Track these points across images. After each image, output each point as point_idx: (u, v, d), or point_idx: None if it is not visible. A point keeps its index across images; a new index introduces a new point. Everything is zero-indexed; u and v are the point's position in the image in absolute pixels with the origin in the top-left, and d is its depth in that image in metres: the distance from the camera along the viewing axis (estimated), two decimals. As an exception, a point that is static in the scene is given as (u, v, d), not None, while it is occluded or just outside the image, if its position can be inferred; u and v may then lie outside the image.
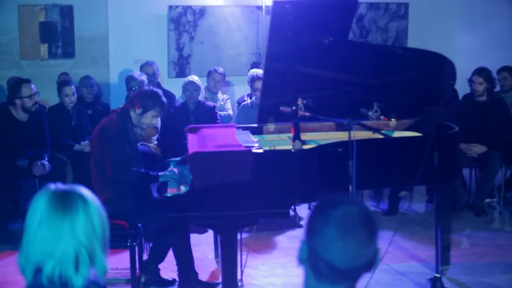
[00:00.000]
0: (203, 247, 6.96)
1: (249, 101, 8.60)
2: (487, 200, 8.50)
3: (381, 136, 5.61)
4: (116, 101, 9.53)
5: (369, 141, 5.57)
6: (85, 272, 2.25)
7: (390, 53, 6.18)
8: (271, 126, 6.36)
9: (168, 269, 6.22)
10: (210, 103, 8.78)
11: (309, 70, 5.89)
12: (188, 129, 6.35)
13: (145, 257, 6.20)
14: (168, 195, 5.32)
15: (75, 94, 8.18)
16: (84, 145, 8.01)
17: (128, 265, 6.58)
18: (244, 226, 5.37)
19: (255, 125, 6.42)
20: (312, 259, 2.08)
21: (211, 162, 5.07)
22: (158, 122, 6.21)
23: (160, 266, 6.10)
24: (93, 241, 2.29)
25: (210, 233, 7.16)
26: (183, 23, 10.32)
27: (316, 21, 5.64)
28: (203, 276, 6.25)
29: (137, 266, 5.94)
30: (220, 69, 9.42)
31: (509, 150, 8.30)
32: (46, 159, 7.53)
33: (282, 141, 6.12)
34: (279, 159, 5.20)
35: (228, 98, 9.50)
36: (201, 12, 10.37)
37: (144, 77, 8.49)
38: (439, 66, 6.18)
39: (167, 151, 8.22)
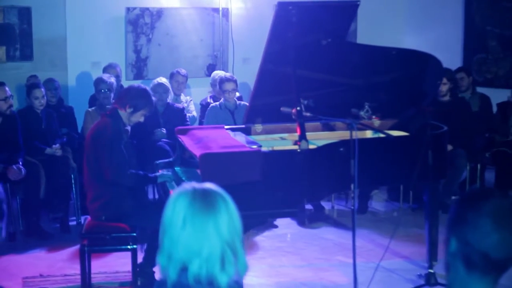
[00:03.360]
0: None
1: (215, 103, 8.55)
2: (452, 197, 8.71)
3: (371, 136, 5.72)
4: (75, 103, 9.39)
5: (368, 141, 5.67)
6: (231, 270, 2.25)
7: (383, 54, 6.27)
8: (258, 127, 6.40)
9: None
10: (180, 105, 8.75)
11: (305, 71, 5.93)
12: (177, 130, 6.34)
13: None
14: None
15: (45, 97, 8.01)
16: (56, 149, 7.84)
17: (115, 268, 6.55)
18: (252, 226, 5.39)
19: (243, 126, 6.46)
20: (465, 250, 2.13)
21: (222, 163, 5.08)
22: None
23: (155, 269, 6.05)
24: (235, 238, 2.29)
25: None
26: (141, 25, 10.24)
27: (317, 22, 5.70)
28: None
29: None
30: (183, 71, 9.37)
31: (473, 148, 8.55)
32: (21, 163, 7.34)
33: (277, 142, 6.15)
34: (286, 159, 5.24)
35: (191, 100, 9.47)
36: (159, 14, 10.31)
37: (113, 79, 8.37)
38: (427, 66, 6.31)
39: (136, 153, 8.14)
